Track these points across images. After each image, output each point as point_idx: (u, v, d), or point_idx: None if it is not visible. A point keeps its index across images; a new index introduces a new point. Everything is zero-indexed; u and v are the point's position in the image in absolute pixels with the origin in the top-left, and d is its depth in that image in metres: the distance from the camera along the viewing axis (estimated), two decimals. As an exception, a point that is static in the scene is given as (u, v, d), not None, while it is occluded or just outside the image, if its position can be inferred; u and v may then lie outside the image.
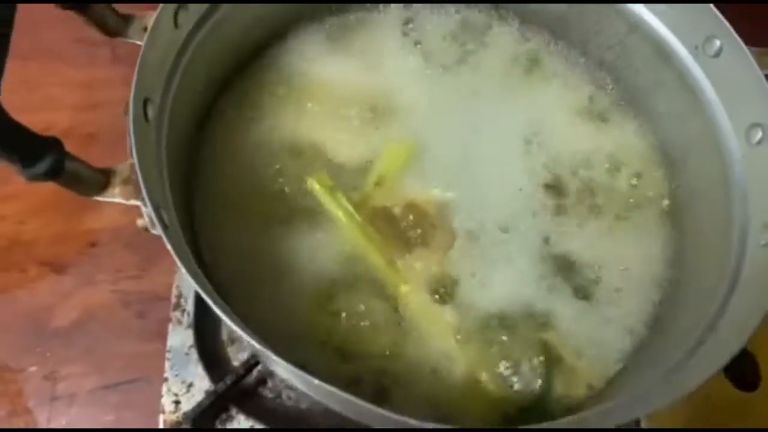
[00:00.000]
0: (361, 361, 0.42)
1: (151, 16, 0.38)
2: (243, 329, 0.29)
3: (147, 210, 0.32)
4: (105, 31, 0.38)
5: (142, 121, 0.35)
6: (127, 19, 0.39)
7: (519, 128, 0.50)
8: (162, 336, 0.49)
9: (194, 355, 0.47)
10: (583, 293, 0.45)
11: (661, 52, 0.46)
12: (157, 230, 0.31)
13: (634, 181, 0.49)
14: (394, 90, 0.51)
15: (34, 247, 0.56)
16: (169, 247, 0.30)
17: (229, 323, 0.29)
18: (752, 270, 0.38)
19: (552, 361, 0.42)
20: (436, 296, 0.44)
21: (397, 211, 0.46)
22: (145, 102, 0.36)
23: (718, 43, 0.42)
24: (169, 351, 0.48)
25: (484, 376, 0.42)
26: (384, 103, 0.50)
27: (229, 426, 0.46)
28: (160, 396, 0.46)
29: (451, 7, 0.54)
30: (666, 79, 0.47)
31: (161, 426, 0.46)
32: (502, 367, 0.42)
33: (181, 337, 0.48)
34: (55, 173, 0.30)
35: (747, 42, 0.40)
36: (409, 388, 0.41)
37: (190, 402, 0.46)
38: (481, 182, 0.48)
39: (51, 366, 0.52)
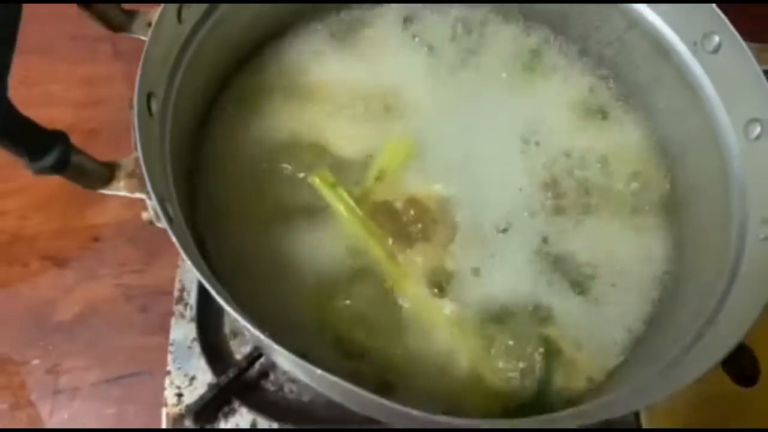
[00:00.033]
0: (361, 355, 0.42)
1: (155, 12, 0.38)
2: (246, 319, 0.29)
3: (152, 203, 0.32)
4: (109, 26, 0.38)
5: (146, 116, 0.35)
6: (131, 15, 0.40)
7: (519, 125, 0.50)
8: (164, 330, 0.49)
9: (197, 348, 0.48)
10: (582, 289, 0.45)
11: (660, 48, 0.46)
12: (162, 223, 0.31)
13: (633, 178, 0.49)
14: (395, 87, 0.51)
15: (37, 242, 0.56)
16: (174, 239, 0.31)
17: (232, 313, 0.29)
18: (751, 264, 0.38)
19: (552, 354, 0.43)
20: (437, 290, 0.44)
21: (398, 205, 0.46)
22: (149, 96, 0.36)
23: (717, 39, 0.42)
24: (171, 344, 0.48)
25: (484, 370, 0.42)
26: (385, 99, 0.50)
27: (231, 419, 0.46)
28: (163, 389, 0.47)
29: (452, 6, 0.54)
30: (665, 75, 0.47)
31: (163, 418, 0.46)
32: (503, 361, 0.42)
33: (183, 331, 0.48)
34: (61, 166, 0.30)
35: (746, 38, 0.41)
36: (409, 381, 0.41)
37: (192, 395, 0.46)
38: (482, 178, 0.48)
39: (54, 359, 0.52)
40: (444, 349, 0.43)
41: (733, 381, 0.47)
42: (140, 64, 0.35)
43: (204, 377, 0.47)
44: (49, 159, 0.30)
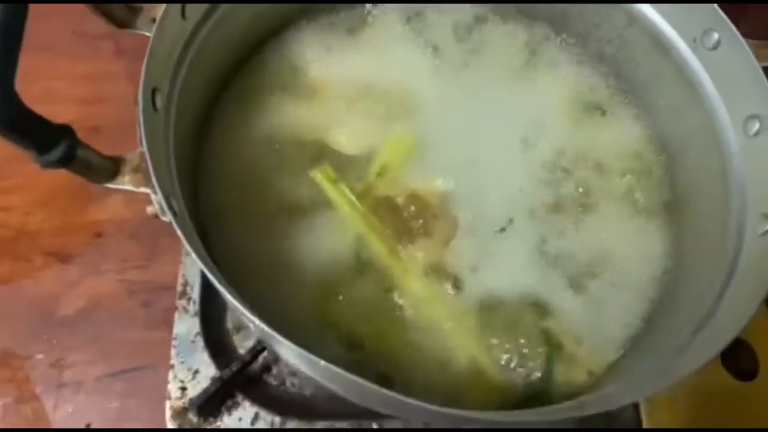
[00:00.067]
0: (363, 349, 0.42)
1: (159, 8, 0.38)
2: (250, 311, 0.30)
3: (157, 197, 0.33)
4: (114, 22, 0.39)
5: (151, 111, 0.36)
6: (135, 11, 0.40)
7: (520, 123, 0.50)
8: (167, 324, 0.49)
9: (200, 342, 0.48)
10: (581, 285, 0.45)
11: (660, 45, 0.46)
12: (167, 217, 0.32)
13: (633, 176, 0.49)
14: (397, 84, 0.51)
15: (40, 238, 0.57)
16: (179, 232, 0.31)
17: (236, 304, 0.30)
18: (749, 259, 0.39)
19: (552, 348, 0.43)
20: (437, 285, 0.44)
21: (399, 201, 0.47)
22: (154, 92, 0.36)
23: (716, 36, 0.42)
24: (175, 338, 0.48)
25: (485, 364, 0.42)
26: (386, 97, 0.51)
27: (235, 412, 0.46)
28: (166, 383, 0.47)
29: (454, 5, 0.55)
30: (665, 72, 0.47)
31: (167, 412, 0.46)
32: (503, 355, 0.43)
33: (187, 325, 0.49)
34: (68, 160, 0.31)
35: (745, 35, 0.41)
36: (410, 375, 0.42)
37: (196, 388, 0.46)
38: (483, 175, 0.48)
39: (57, 353, 0.52)
40: (444, 343, 0.43)
41: (733, 376, 0.48)
42: (145, 59, 0.35)
43: (207, 371, 0.47)
44: (56, 153, 0.30)
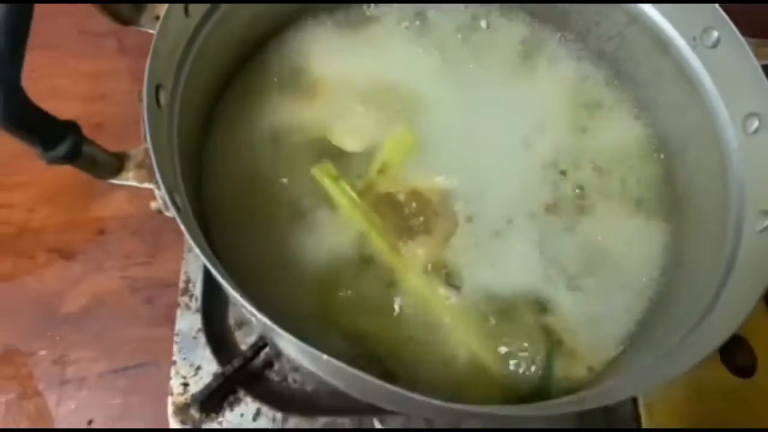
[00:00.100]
0: (364, 345, 0.42)
1: (162, 5, 0.39)
2: (252, 305, 0.30)
3: (160, 193, 0.33)
4: (118, 20, 0.39)
5: (155, 107, 0.36)
6: (139, 8, 0.40)
7: (521, 122, 0.51)
8: (169, 321, 0.49)
9: (202, 339, 0.48)
10: (581, 283, 0.46)
11: (660, 43, 0.47)
12: (171, 212, 0.32)
13: (633, 174, 0.50)
14: (398, 83, 0.51)
15: (44, 235, 0.57)
16: (182, 227, 0.31)
17: (238, 299, 0.30)
18: (747, 256, 0.39)
19: (553, 344, 0.43)
20: (438, 282, 0.44)
21: (400, 198, 0.47)
22: (158, 88, 0.37)
23: (715, 34, 0.42)
24: (177, 335, 0.48)
25: (485, 360, 0.43)
26: (388, 95, 0.51)
27: (237, 408, 0.47)
28: (168, 379, 0.47)
29: (455, 5, 0.55)
30: (665, 70, 0.47)
31: (169, 407, 0.46)
32: (504, 351, 0.43)
33: (189, 322, 0.49)
34: (73, 156, 0.31)
35: (744, 33, 0.41)
36: (412, 371, 0.42)
37: (198, 384, 0.46)
38: (484, 173, 0.48)
39: (61, 350, 0.53)
40: (445, 340, 0.43)
41: (731, 372, 0.48)
42: (149, 56, 0.35)
43: (209, 367, 0.47)
44: (62, 149, 0.30)
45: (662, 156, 0.50)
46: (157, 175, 0.32)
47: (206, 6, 0.43)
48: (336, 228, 0.46)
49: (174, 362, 0.48)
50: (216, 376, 0.46)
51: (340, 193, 0.46)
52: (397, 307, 0.44)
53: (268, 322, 0.30)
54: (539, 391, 0.42)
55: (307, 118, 0.50)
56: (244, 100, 0.50)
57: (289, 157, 0.48)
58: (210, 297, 0.50)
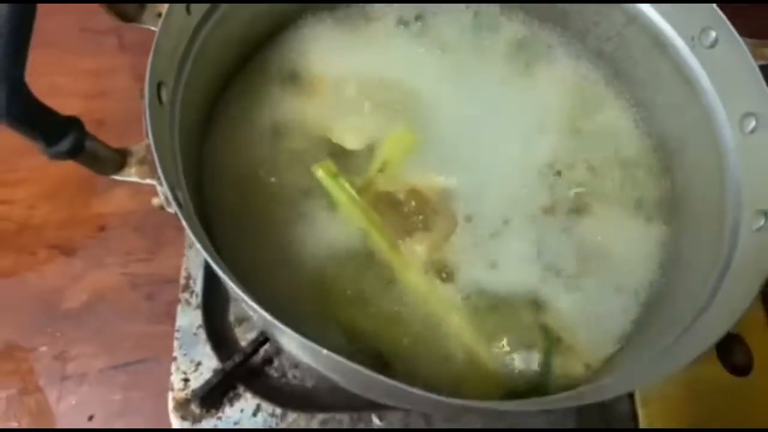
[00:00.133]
0: (363, 341, 0.43)
1: (164, 3, 0.39)
2: (253, 300, 0.30)
3: (162, 189, 0.33)
4: (121, 17, 0.39)
5: (157, 104, 0.36)
6: (142, 6, 0.40)
7: (520, 121, 0.51)
8: (170, 318, 0.50)
9: (202, 335, 0.49)
10: (580, 281, 0.46)
11: (659, 43, 0.47)
12: (172, 208, 0.32)
13: (632, 174, 0.50)
14: (398, 81, 0.52)
15: (44, 231, 0.57)
16: (184, 223, 0.31)
17: (239, 294, 0.30)
18: (744, 255, 0.39)
19: (551, 341, 0.43)
20: (437, 280, 0.45)
21: (400, 196, 0.47)
22: (159, 85, 0.37)
23: (713, 34, 0.43)
24: (177, 331, 0.49)
25: (483, 357, 0.43)
26: (388, 93, 0.51)
27: (237, 403, 0.47)
28: (169, 375, 0.48)
29: (454, 4, 0.55)
30: (663, 70, 0.48)
31: (170, 403, 0.47)
32: (502, 348, 0.43)
33: (189, 318, 0.49)
34: (76, 152, 0.31)
35: (742, 34, 0.41)
36: (411, 367, 0.42)
37: (198, 380, 0.47)
38: (483, 172, 0.49)
39: (61, 346, 0.53)
40: (444, 336, 0.43)
41: (728, 371, 0.48)
42: (151, 52, 0.35)
43: (209, 363, 0.48)
44: (65, 144, 0.31)
45: (660, 156, 0.51)
46: (159, 171, 0.32)
47: (206, 6, 0.43)
48: (336, 225, 0.46)
49: (174, 358, 0.48)
50: (216, 372, 0.47)
51: (340, 191, 0.46)
52: (396, 304, 0.44)
53: (269, 317, 0.30)
54: (537, 387, 0.42)
55: (307, 116, 0.50)
56: (244, 99, 0.50)
57: (289, 156, 0.48)
58: (210, 293, 0.50)
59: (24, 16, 0.28)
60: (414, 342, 0.43)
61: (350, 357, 0.29)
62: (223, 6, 0.45)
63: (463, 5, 0.55)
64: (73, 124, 0.31)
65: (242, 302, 0.33)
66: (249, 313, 0.49)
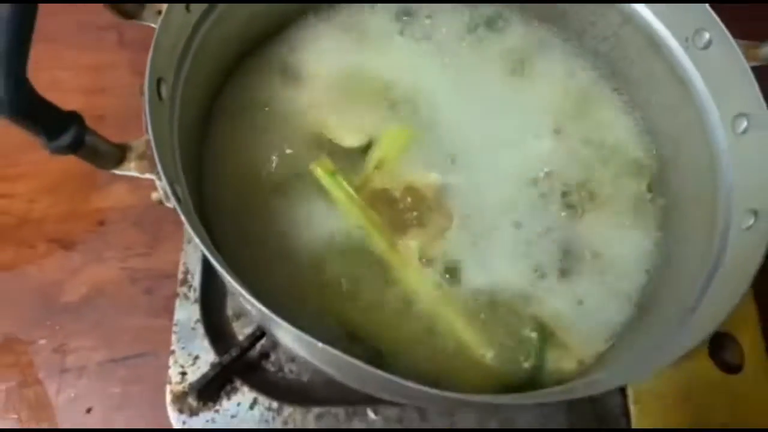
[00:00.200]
0: (359, 335, 0.43)
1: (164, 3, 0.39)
2: (250, 294, 0.31)
3: (161, 183, 0.33)
4: (122, 14, 0.40)
5: (156, 100, 0.36)
6: (141, 3, 0.41)
7: (516, 120, 0.51)
8: (168, 312, 0.50)
9: (200, 329, 0.49)
10: (574, 279, 0.46)
11: (653, 43, 0.47)
12: (171, 203, 0.33)
13: (626, 174, 0.50)
14: (395, 79, 0.52)
15: (44, 225, 0.58)
16: (183, 217, 0.32)
17: (237, 288, 0.31)
18: (734, 253, 0.40)
19: (545, 337, 0.44)
20: (433, 276, 0.45)
21: (396, 193, 0.47)
22: (159, 81, 0.37)
23: (707, 35, 0.43)
24: (176, 325, 0.49)
25: (478, 351, 0.43)
26: (385, 91, 0.52)
27: (234, 397, 0.47)
28: (167, 368, 0.48)
29: (452, 4, 0.55)
30: (657, 71, 0.48)
31: (167, 396, 0.47)
32: (496, 342, 0.44)
33: (187, 312, 0.50)
34: (76, 146, 0.32)
35: (735, 35, 0.42)
36: (405, 362, 0.43)
37: (195, 373, 0.47)
38: (479, 170, 0.49)
39: (60, 339, 0.53)
40: (440, 331, 0.44)
41: (719, 369, 0.49)
42: (151, 49, 0.36)
43: (207, 357, 0.48)
44: (66, 138, 0.31)
45: (655, 156, 0.51)
46: (159, 166, 0.33)
47: (202, 7, 0.43)
48: (333, 222, 0.46)
49: (172, 352, 0.49)
50: (213, 365, 0.47)
51: (337, 188, 0.47)
52: (392, 300, 0.44)
53: (266, 310, 0.30)
54: (531, 382, 0.43)
55: (304, 114, 0.50)
56: (243, 95, 0.51)
57: (287, 153, 0.48)
58: (208, 288, 0.51)
59: (26, 17, 0.29)
60: (409, 336, 0.44)
61: (346, 350, 0.30)
62: (221, 6, 0.45)
63: (461, 6, 0.55)
64: (73, 119, 0.32)
65: (239, 296, 0.34)
66: (246, 308, 0.49)
